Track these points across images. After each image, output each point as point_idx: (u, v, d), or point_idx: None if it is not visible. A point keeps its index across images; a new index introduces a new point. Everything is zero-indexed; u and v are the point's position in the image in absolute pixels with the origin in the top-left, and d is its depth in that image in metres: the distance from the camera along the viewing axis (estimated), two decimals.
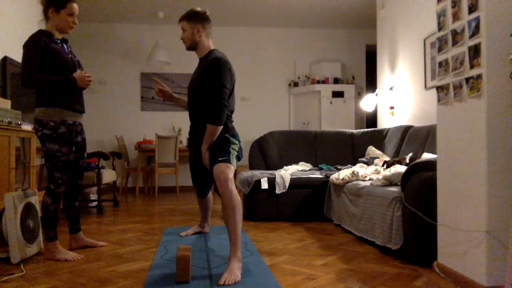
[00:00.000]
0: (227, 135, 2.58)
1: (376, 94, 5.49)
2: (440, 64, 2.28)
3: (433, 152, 3.15)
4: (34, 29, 4.51)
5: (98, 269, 2.40)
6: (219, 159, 2.43)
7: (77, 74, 2.60)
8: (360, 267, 2.43)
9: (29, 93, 4.28)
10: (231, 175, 2.37)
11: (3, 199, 2.51)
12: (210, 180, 2.96)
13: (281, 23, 7.05)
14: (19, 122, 3.02)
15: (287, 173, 4.08)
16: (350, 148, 4.89)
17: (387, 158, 3.98)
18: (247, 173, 4.14)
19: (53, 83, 2.53)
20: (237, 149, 2.58)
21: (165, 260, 2.54)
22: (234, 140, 2.57)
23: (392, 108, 5.14)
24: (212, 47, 2.75)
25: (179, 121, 6.92)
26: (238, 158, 2.61)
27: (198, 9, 2.75)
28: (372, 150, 4.54)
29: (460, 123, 2.11)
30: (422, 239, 2.43)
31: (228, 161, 2.43)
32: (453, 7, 2.14)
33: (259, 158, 4.79)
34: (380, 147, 4.60)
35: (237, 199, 2.32)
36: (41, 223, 2.67)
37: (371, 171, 3.56)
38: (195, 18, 2.72)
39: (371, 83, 7.36)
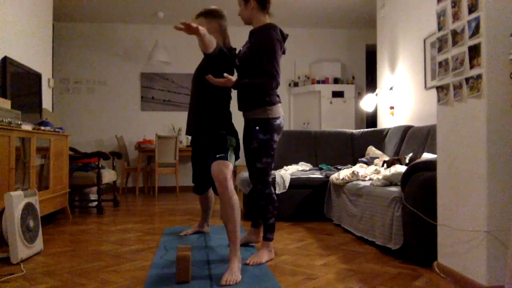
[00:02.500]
0: (223, 131, 2.57)
1: (376, 94, 5.49)
2: (440, 64, 2.28)
3: (433, 152, 3.15)
4: (34, 29, 4.54)
5: (98, 269, 2.40)
6: (217, 156, 2.42)
7: None
8: (360, 267, 2.43)
9: (29, 93, 4.28)
10: (230, 174, 2.35)
11: (3, 199, 2.51)
12: (211, 179, 2.92)
13: (281, 23, 7.00)
14: (19, 122, 3.02)
15: (287, 173, 4.08)
16: (350, 148, 4.88)
17: (387, 158, 3.98)
18: (247, 173, 4.14)
19: None
20: (234, 144, 2.57)
21: (165, 260, 2.54)
22: (230, 137, 2.57)
23: (392, 108, 5.14)
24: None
25: (179, 121, 6.92)
26: (236, 155, 2.59)
27: (213, 7, 2.81)
28: (372, 150, 4.54)
29: (460, 123, 2.11)
30: (422, 239, 2.43)
31: (225, 158, 2.42)
32: (453, 7, 2.14)
33: None
34: (380, 147, 4.60)
35: (236, 199, 2.32)
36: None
37: (371, 171, 3.56)
38: (212, 15, 2.76)
39: (371, 83, 7.36)
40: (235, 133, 2.63)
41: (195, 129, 2.72)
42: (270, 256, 2.59)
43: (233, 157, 2.52)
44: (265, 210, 2.62)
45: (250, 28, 2.81)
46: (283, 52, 2.66)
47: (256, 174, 2.60)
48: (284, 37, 2.66)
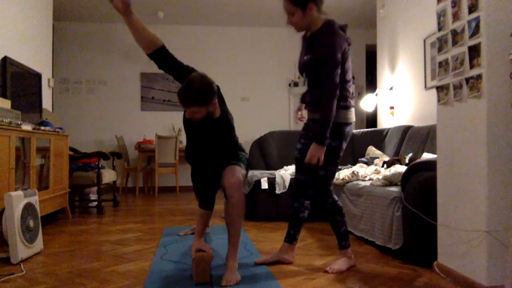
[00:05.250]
0: (236, 151, 2.53)
1: (376, 94, 5.49)
2: (440, 64, 2.28)
3: (433, 152, 3.15)
4: (34, 29, 4.54)
5: (98, 269, 2.39)
6: (232, 161, 2.38)
7: None
8: (360, 267, 2.43)
9: (29, 93, 4.28)
10: (242, 178, 2.30)
11: (3, 199, 2.51)
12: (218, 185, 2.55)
13: (281, 23, 7.04)
14: (19, 122, 3.02)
15: (287, 173, 4.08)
16: (350, 148, 4.88)
17: (387, 158, 3.98)
18: (248, 174, 4.14)
19: None
20: (247, 157, 2.55)
21: (165, 260, 2.54)
22: (242, 153, 2.53)
23: (392, 108, 5.14)
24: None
25: (179, 121, 6.92)
26: (246, 169, 2.53)
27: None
28: (372, 150, 4.54)
29: (460, 123, 2.11)
30: (422, 239, 2.43)
31: (239, 164, 2.40)
32: (453, 7, 2.14)
33: (259, 158, 4.78)
34: (380, 147, 4.60)
35: (244, 203, 2.28)
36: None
37: (371, 171, 3.56)
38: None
39: (371, 83, 7.36)
40: (242, 148, 2.60)
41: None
42: (351, 263, 2.43)
43: (244, 167, 2.47)
44: (334, 220, 2.43)
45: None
46: (349, 44, 2.31)
47: (317, 183, 2.38)
48: (345, 31, 2.33)
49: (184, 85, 2.09)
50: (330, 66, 2.20)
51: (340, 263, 2.39)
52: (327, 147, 2.28)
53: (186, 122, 2.38)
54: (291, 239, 2.51)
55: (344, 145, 2.37)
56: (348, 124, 2.35)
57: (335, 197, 2.43)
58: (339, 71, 2.22)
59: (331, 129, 2.26)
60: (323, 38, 2.26)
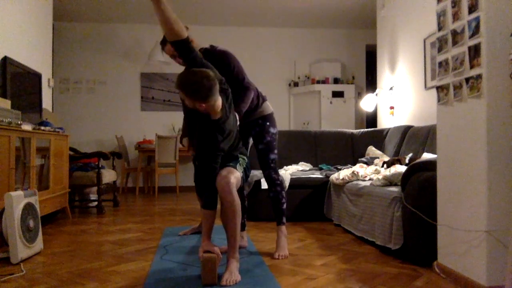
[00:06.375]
0: (236, 153, 2.54)
1: (376, 94, 5.50)
2: (440, 64, 2.28)
3: (433, 152, 3.15)
4: (34, 29, 4.54)
5: (98, 269, 2.40)
6: (228, 164, 2.37)
7: None
8: (360, 267, 2.43)
9: (29, 93, 4.28)
10: (233, 180, 2.28)
11: (3, 199, 2.51)
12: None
13: (281, 23, 7.05)
14: (19, 122, 3.02)
15: (287, 173, 4.08)
16: (350, 148, 4.88)
17: (387, 158, 3.98)
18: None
19: None
20: (245, 159, 2.54)
21: (165, 260, 2.54)
22: (242, 156, 2.53)
23: (392, 108, 5.14)
24: None
25: (179, 121, 6.92)
26: (245, 171, 2.53)
27: None
28: (372, 150, 4.54)
29: (460, 123, 2.11)
30: (422, 239, 2.43)
31: (233, 167, 2.39)
32: (453, 7, 2.14)
33: None
34: (380, 147, 4.60)
35: (238, 203, 2.28)
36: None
37: (371, 171, 3.56)
38: None
39: (371, 83, 7.36)
40: (244, 152, 2.60)
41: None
42: (286, 241, 2.76)
43: (241, 168, 2.46)
44: (280, 196, 2.81)
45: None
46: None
47: (270, 165, 2.81)
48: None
49: (189, 70, 2.19)
50: (243, 74, 2.80)
51: (284, 245, 2.69)
52: (273, 134, 2.81)
53: (188, 110, 2.49)
54: (243, 226, 2.93)
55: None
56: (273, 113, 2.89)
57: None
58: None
59: (270, 119, 2.84)
60: (221, 58, 2.75)
